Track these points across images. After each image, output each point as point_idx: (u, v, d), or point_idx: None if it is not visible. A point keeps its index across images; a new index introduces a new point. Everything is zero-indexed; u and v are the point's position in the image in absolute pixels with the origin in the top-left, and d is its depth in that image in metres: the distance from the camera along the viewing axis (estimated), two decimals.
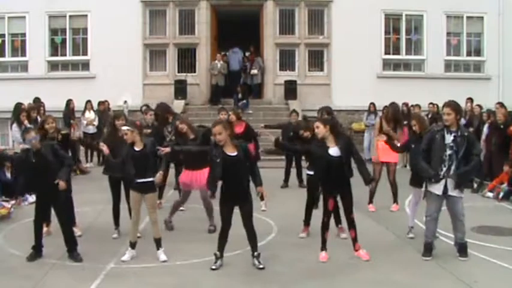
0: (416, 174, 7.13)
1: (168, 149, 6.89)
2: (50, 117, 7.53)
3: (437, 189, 6.15)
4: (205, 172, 7.46)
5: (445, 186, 6.11)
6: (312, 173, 7.14)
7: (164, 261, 6.15)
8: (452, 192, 6.13)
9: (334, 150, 6.12)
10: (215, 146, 5.92)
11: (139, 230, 7.03)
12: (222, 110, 10.13)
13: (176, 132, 7.85)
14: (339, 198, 6.38)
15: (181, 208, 8.33)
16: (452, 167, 6.07)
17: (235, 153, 5.84)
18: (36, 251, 6.27)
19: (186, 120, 7.93)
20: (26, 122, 10.09)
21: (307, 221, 7.33)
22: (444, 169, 6.08)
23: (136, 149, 6.24)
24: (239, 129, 9.27)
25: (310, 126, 7.08)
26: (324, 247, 6.30)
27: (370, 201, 8.92)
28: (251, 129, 9.75)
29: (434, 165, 6.12)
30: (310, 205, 7.37)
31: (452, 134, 6.08)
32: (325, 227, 6.30)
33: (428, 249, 6.31)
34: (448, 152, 6.06)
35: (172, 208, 7.78)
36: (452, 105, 6.17)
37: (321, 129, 6.15)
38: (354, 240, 6.35)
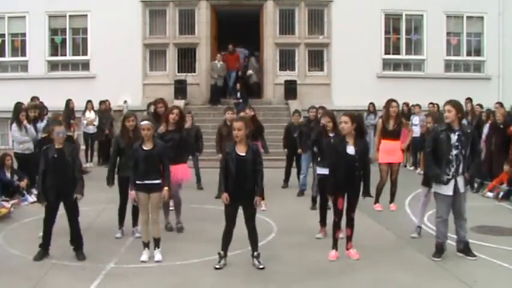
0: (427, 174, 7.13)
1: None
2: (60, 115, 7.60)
3: (446, 190, 6.11)
4: (178, 168, 7.43)
5: (455, 186, 6.10)
6: (324, 172, 7.02)
7: (159, 262, 6.13)
8: (462, 189, 6.14)
9: (351, 149, 6.15)
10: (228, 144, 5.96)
11: (139, 230, 7.05)
12: (228, 109, 10.12)
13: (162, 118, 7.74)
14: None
15: (170, 208, 8.38)
16: (461, 166, 6.07)
17: (244, 154, 5.86)
18: (44, 250, 6.28)
19: (182, 111, 7.75)
20: (25, 122, 10.08)
21: (323, 221, 7.25)
22: (452, 169, 6.06)
23: (145, 148, 6.27)
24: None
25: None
26: (335, 246, 6.30)
27: (376, 201, 8.94)
28: (259, 124, 9.61)
29: (442, 167, 6.08)
30: (324, 204, 7.29)
31: (457, 133, 6.07)
32: (336, 227, 6.31)
33: (439, 250, 6.30)
34: (454, 152, 6.05)
35: (175, 210, 7.72)
36: (453, 102, 6.18)
37: (348, 126, 6.13)
38: (349, 238, 6.37)
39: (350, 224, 6.33)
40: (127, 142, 7.05)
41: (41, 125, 10.45)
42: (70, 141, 7.65)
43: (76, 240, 6.33)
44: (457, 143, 6.05)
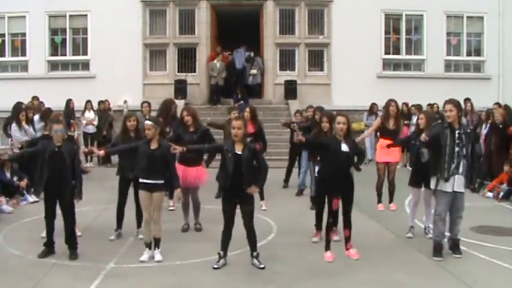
0: (415, 174, 7.13)
1: (180, 149, 6.39)
2: (60, 114, 7.60)
3: (448, 187, 6.18)
4: (197, 170, 7.46)
5: (453, 184, 6.16)
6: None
7: (159, 262, 6.12)
8: (458, 188, 6.18)
9: (344, 146, 6.19)
10: (227, 141, 5.96)
11: (139, 230, 7.06)
12: (233, 109, 10.15)
13: (180, 123, 7.72)
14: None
15: (170, 208, 8.34)
16: (461, 164, 6.14)
17: (240, 152, 5.88)
18: (48, 248, 6.30)
19: (192, 112, 7.70)
20: (23, 122, 10.07)
21: (319, 225, 7.08)
22: (453, 166, 6.13)
23: (152, 147, 6.25)
24: (251, 129, 9.15)
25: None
26: (328, 247, 6.30)
27: (379, 201, 8.96)
28: (262, 130, 9.58)
29: (445, 162, 6.14)
30: (321, 208, 7.06)
31: (457, 132, 6.17)
32: (330, 228, 6.31)
33: (438, 250, 6.31)
34: (456, 148, 6.14)
35: (194, 212, 7.69)
36: (454, 102, 6.29)
37: (346, 127, 6.20)
38: (347, 239, 6.36)
39: (348, 224, 6.33)
40: (128, 143, 7.02)
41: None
42: (71, 141, 7.66)
43: (69, 239, 6.33)
44: (458, 141, 6.15)
